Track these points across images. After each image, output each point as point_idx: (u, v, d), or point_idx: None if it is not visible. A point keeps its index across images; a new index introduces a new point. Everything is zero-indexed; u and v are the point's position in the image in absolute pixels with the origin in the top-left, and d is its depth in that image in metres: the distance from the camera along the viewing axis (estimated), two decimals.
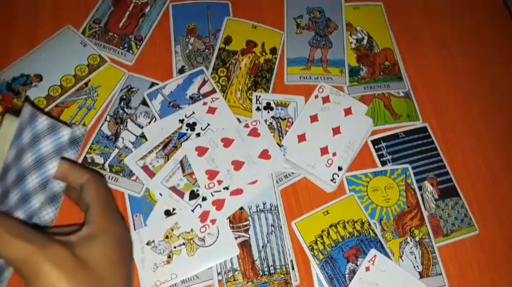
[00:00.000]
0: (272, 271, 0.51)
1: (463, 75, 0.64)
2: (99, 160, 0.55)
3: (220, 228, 0.52)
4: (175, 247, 0.51)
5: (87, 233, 0.37)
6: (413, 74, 0.63)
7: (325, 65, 0.63)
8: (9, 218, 0.38)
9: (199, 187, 0.54)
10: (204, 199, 0.53)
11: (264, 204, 0.53)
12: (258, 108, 0.59)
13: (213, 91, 0.59)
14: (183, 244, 0.51)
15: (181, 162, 0.55)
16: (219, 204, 0.53)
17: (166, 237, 0.51)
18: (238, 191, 0.54)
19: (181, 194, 0.53)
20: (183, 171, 0.55)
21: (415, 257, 0.52)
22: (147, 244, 0.51)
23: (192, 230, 0.52)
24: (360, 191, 0.55)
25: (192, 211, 0.53)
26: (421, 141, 0.59)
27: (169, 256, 0.51)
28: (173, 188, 0.54)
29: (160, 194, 0.53)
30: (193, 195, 0.53)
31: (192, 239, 0.51)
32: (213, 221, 0.52)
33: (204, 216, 0.52)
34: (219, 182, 0.54)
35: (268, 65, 0.62)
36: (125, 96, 0.59)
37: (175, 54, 0.63)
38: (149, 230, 0.52)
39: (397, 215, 0.54)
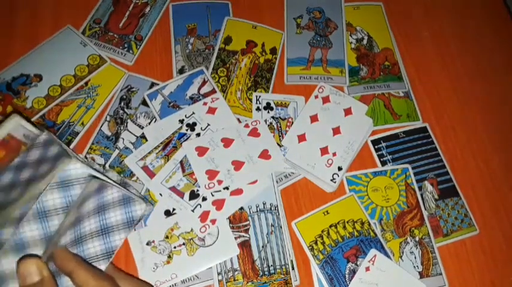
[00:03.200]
0: (272, 271, 0.51)
1: (463, 75, 0.65)
2: (99, 160, 0.55)
3: (220, 228, 0.52)
4: (175, 247, 0.51)
5: None
6: (413, 74, 0.64)
7: (325, 65, 0.63)
8: None
9: (199, 187, 0.54)
10: (204, 199, 0.53)
11: (264, 204, 0.53)
12: (258, 108, 0.59)
13: (213, 91, 0.59)
14: (183, 244, 0.51)
15: (181, 162, 0.55)
16: (219, 204, 0.53)
17: (167, 237, 0.51)
18: (238, 191, 0.54)
19: (181, 194, 0.53)
20: (183, 171, 0.55)
21: (415, 257, 0.52)
22: (147, 244, 0.51)
23: (192, 230, 0.52)
24: (360, 191, 0.55)
25: (192, 211, 0.53)
26: (421, 141, 0.59)
27: (169, 256, 0.51)
28: (173, 188, 0.54)
29: (161, 194, 0.53)
30: (193, 195, 0.53)
31: (192, 239, 0.51)
32: (213, 221, 0.52)
33: (204, 216, 0.52)
34: (219, 182, 0.54)
35: (268, 65, 0.62)
36: (125, 97, 0.59)
37: (175, 54, 0.63)
38: (149, 230, 0.52)
39: (397, 215, 0.54)
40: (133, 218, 0.42)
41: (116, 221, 0.41)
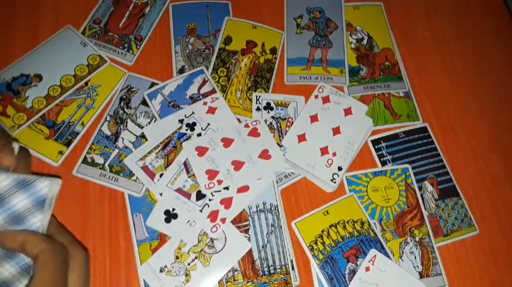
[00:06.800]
0: (272, 271, 0.50)
1: (463, 75, 0.65)
2: (99, 160, 0.55)
3: (225, 229, 0.52)
4: (189, 264, 0.50)
5: None
6: (413, 74, 0.64)
7: (325, 65, 0.63)
8: None
9: None
10: (210, 199, 0.53)
11: (264, 204, 0.53)
12: (258, 108, 0.59)
13: (213, 91, 0.59)
14: (196, 258, 0.51)
15: (184, 163, 0.55)
16: (227, 202, 0.53)
17: (177, 258, 0.51)
18: (244, 188, 0.53)
19: (188, 196, 0.53)
20: (188, 172, 0.54)
21: (415, 257, 0.52)
22: (161, 271, 0.50)
23: (198, 241, 0.51)
24: (360, 191, 0.55)
25: (201, 211, 0.52)
26: (421, 141, 0.59)
27: (186, 274, 0.50)
28: (179, 190, 0.53)
29: (161, 194, 0.53)
30: (200, 195, 0.53)
31: (202, 250, 0.51)
32: (223, 220, 0.52)
33: (213, 216, 0.52)
34: (219, 182, 0.54)
35: (268, 65, 0.62)
36: (125, 96, 0.59)
37: (175, 54, 0.63)
38: (158, 258, 0.51)
39: (397, 215, 0.54)
40: (42, 197, 0.40)
41: (24, 206, 0.39)
